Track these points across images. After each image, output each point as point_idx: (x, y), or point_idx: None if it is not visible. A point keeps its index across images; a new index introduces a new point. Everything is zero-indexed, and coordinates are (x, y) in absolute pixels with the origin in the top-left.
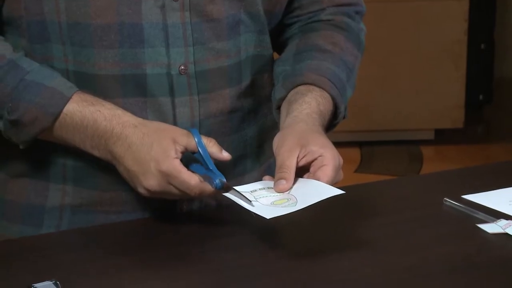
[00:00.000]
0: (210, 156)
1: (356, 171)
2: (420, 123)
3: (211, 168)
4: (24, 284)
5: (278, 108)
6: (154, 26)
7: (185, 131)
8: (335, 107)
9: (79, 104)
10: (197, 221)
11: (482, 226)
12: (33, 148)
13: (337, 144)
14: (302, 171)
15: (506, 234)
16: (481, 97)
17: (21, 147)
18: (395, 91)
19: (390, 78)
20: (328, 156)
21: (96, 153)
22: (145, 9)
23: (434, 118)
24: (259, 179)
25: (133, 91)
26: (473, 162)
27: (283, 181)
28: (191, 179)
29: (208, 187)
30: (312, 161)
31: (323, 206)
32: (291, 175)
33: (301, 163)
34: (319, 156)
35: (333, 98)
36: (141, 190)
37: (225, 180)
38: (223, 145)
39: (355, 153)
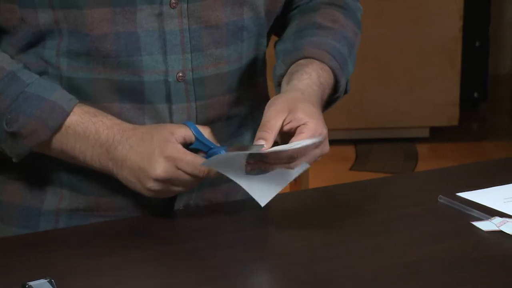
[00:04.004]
0: None
1: (351, 169)
2: (415, 121)
3: (212, 147)
4: (19, 282)
5: (279, 85)
6: (151, 34)
7: (180, 124)
8: (336, 81)
9: (81, 116)
10: (192, 219)
11: (477, 224)
12: (31, 153)
13: (332, 142)
14: (285, 137)
15: (501, 231)
16: (476, 94)
17: (14, 160)
18: (390, 89)
19: (385, 75)
20: (310, 127)
21: (96, 164)
22: (140, 17)
23: (429, 116)
24: None
25: (130, 97)
26: (468, 160)
27: (262, 142)
28: (197, 158)
29: None
30: (296, 128)
31: (318, 204)
32: (272, 136)
33: (286, 128)
34: (303, 124)
35: (332, 71)
36: (149, 185)
37: (227, 148)
38: None
39: (350, 151)
